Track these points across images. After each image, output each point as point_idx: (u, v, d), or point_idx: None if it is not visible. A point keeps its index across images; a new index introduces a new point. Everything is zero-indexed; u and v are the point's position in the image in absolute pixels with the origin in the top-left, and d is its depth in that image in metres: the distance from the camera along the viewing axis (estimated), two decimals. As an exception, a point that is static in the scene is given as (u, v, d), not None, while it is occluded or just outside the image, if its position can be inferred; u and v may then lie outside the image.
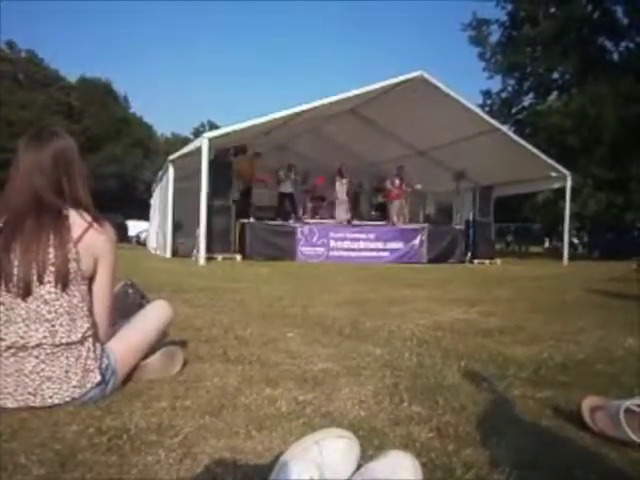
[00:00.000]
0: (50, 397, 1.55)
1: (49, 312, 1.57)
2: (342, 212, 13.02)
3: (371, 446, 1.32)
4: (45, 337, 1.56)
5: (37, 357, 1.55)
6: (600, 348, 2.65)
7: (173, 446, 1.31)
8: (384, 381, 1.95)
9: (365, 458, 1.18)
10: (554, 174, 13.42)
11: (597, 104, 19.68)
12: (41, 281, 1.56)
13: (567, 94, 23.83)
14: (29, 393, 1.54)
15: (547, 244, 32.17)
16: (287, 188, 13.01)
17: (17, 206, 1.60)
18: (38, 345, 1.55)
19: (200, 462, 1.23)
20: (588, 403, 1.52)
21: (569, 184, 13.47)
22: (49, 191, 1.62)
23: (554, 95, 26.27)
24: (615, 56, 24.68)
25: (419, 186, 13.75)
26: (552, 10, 23.85)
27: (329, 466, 1.07)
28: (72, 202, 1.66)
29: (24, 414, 1.50)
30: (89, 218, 1.66)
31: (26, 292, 1.55)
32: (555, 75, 26.18)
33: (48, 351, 1.56)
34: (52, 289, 1.57)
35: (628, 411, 1.39)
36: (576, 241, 25.51)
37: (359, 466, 1.12)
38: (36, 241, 1.56)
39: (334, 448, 1.11)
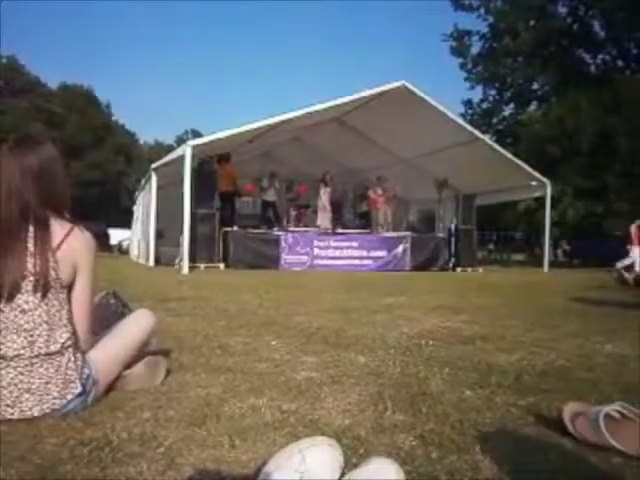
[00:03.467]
0: (29, 409, 1.52)
1: (27, 322, 1.54)
2: (325, 220, 13.05)
3: (355, 454, 1.32)
4: (24, 347, 1.53)
5: (15, 368, 1.52)
6: (580, 355, 2.68)
7: (156, 457, 1.30)
8: (368, 389, 1.96)
9: (349, 466, 1.18)
10: (534, 183, 13.64)
11: (575, 114, 20.10)
12: (19, 290, 1.54)
13: (546, 104, 24.30)
14: (7, 405, 1.51)
15: (530, 252, 32.55)
16: (270, 196, 13.00)
17: (3, 213, 1.58)
18: (16, 356, 1.52)
19: (184, 473, 1.22)
20: (569, 409, 1.54)
21: (549, 193, 13.69)
22: (33, 198, 1.60)
23: (534, 105, 26.80)
24: (593, 68, 25.28)
25: (398, 190, 13.89)
26: (532, 23, 24.37)
27: (313, 474, 1.07)
28: (53, 210, 1.64)
29: (2, 427, 1.47)
30: (68, 226, 1.64)
31: (8, 299, 1.52)
32: (535, 86, 26.76)
33: (27, 362, 1.53)
34: (30, 298, 1.54)
35: (608, 417, 1.41)
36: (558, 250, 25.88)
37: (343, 474, 1.12)
38: (14, 249, 1.54)
39: (318, 456, 1.11)
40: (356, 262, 12.23)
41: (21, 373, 1.52)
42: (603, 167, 20.11)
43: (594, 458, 1.36)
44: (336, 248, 12.15)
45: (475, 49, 27.24)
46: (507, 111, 27.99)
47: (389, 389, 1.96)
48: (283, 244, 11.62)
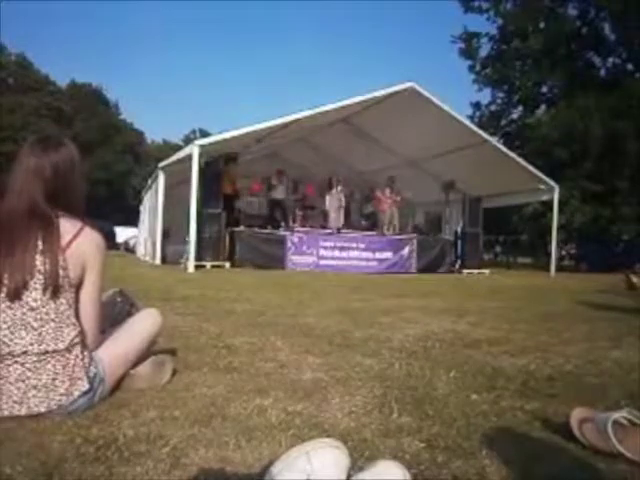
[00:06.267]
0: (36, 406, 1.53)
1: (35, 319, 1.55)
2: (332, 221, 13.05)
3: (361, 457, 1.32)
4: (31, 344, 1.54)
5: (23, 365, 1.53)
6: (587, 360, 2.66)
7: (162, 456, 1.30)
8: (374, 392, 1.95)
9: (355, 469, 1.17)
10: (542, 186, 13.58)
11: (584, 118, 19.97)
12: (27, 288, 1.54)
13: (555, 108, 24.16)
14: (14, 402, 1.52)
15: (536, 255, 32.34)
16: (279, 194, 12.98)
17: (12, 209, 1.60)
18: (24, 353, 1.53)
19: (189, 473, 1.22)
20: (576, 415, 1.52)
21: (557, 196, 13.62)
22: (44, 197, 1.61)
23: (542, 108, 26.64)
24: (602, 71, 25.13)
25: (410, 194, 13.78)
26: (541, 25, 24.25)
27: (319, 476, 1.07)
28: (65, 210, 1.65)
29: (9, 423, 1.48)
30: (78, 225, 1.65)
31: (15, 297, 1.53)
32: (544, 89, 26.58)
33: (34, 359, 1.54)
34: (38, 296, 1.55)
35: (616, 423, 1.40)
36: (563, 253, 25.72)
37: (349, 476, 1.12)
38: (23, 246, 1.55)
39: (324, 458, 1.11)
40: (362, 263, 12.21)
41: (29, 369, 1.53)
42: (611, 171, 19.98)
43: (601, 464, 1.35)
44: (342, 249, 12.13)
45: (484, 51, 27.17)
46: (515, 114, 27.85)
47: (395, 392, 1.95)
48: (289, 244, 11.62)
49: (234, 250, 11.12)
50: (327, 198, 13.21)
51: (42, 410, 1.54)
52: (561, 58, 23.66)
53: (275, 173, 13.11)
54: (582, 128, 19.88)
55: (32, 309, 1.55)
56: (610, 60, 24.91)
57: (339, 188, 13.38)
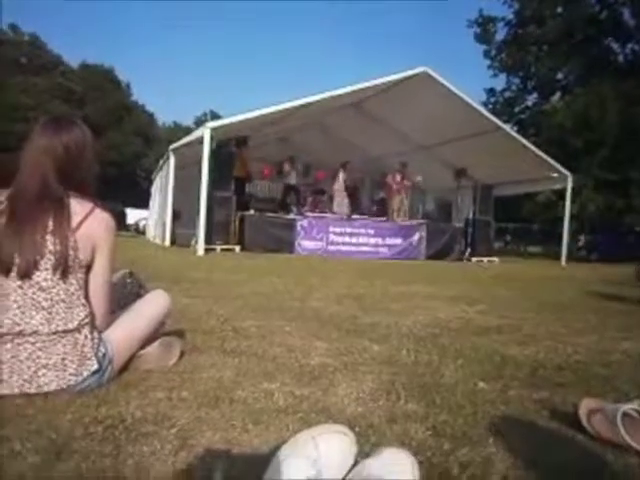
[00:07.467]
0: (46, 384, 1.55)
1: (45, 299, 1.56)
2: (342, 206, 13.01)
3: (368, 443, 1.32)
4: (42, 324, 1.55)
5: (33, 344, 1.54)
6: (596, 351, 2.65)
7: (169, 437, 1.31)
8: (381, 377, 1.95)
9: (362, 455, 1.17)
10: (555, 175, 13.41)
11: (600, 105, 19.65)
12: (37, 267, 1.55)
13: (571, 94, 23.79)
14: (24, 380, 1.53)
15: (547, 244, 32.15)
16: (293, 180, 13.02)
17: (23, 188, 1.60)
18: (34, 332, 1.54)
19: (196, 454, 1.23)
20: (585, 405, 1.51)
21: (569, 185, 13.45)
22: (55, 177, 1.61)
23: (557, 95, 26.26)
24: (620, 58, 24.67)
25: (420, 178, 13.59)
26: (559, 10, 23.82)
27: (325, 462, 1.07)
28: (76, 190, 1.65)
29: (19, 401, 1.50)
30: (89, 206, 1.65)
31: (25, 276, 1.54)
32: (559, 75, 26.17)
33: (44, 338, 1.55)
34: (49, 276, 1.56)
35: (625, 415, 1.39)
36: (580, 244, 25.50)
37: (356, 462, 1.12)
38: (34, 226, 1.56)
39: (331, 444, 1.11)
40: (371, 249, 12.19)
41: (39, 349, 1.55)
42: (626, 160, 19.70)
43: (609, 456, 1.34)
44: (351, 234, 12.10)
45: (500, 36, 26.76)
46: (530, 100, 27.51)
47: (402, 378, 1.95)
48: (299, 229, 11.61)
49: (244, 234, 11.13)
50: (339, 181, 13.17)
51: (52, 389, 1.55)
52: (578, 44, 23.25)
53: (287, 159, 13.09)
54: (598, 116, 19.57)
55: (42, 289, 1.56)
56: (629, 46, 24.48)
57: (349, 174, 13.33)
